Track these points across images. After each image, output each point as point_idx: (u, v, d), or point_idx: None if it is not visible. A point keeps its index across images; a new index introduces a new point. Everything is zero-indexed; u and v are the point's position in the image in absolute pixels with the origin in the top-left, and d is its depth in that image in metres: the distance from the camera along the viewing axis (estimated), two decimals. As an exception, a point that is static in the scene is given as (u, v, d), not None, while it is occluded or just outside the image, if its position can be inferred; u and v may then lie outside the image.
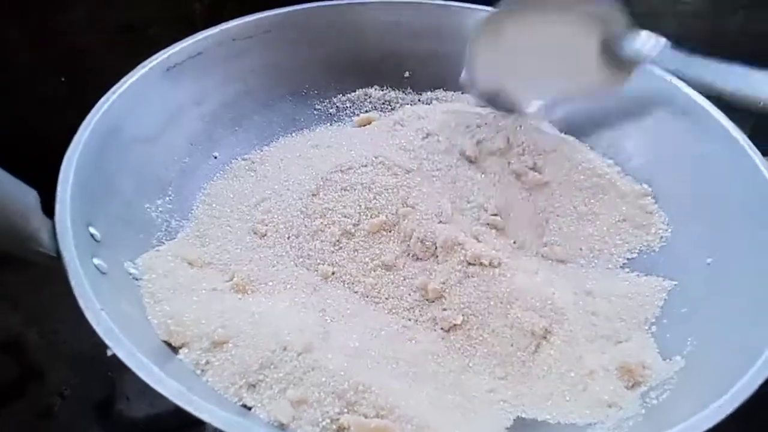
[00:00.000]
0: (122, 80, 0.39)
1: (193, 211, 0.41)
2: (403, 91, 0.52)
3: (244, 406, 0.28)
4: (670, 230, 0.41)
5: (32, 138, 0.53)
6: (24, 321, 0.62)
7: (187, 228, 0.40)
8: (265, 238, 0.39)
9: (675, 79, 0.44)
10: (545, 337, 0.35)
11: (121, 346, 0.26)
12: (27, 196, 0.29)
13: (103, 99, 0.37)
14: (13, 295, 0.64)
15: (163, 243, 0.37)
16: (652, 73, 0.44)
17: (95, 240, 0.32)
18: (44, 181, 0.32)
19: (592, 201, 0.43)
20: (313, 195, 0.40)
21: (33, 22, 0.57)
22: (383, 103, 0.51)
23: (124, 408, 0.61)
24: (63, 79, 0.60)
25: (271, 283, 0.36)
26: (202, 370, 0.29)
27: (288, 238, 0.39)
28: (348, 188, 0.40)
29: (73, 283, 0.28)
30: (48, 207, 0.31)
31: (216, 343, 0.30)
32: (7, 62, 0.58)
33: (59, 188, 0.32)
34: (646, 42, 0.41)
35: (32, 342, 0.62)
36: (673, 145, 0.43)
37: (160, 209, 0.39)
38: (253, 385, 0.29)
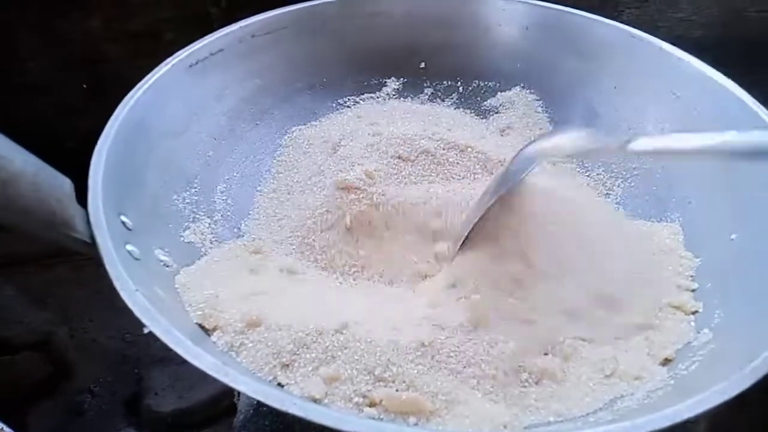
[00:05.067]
0: (147, 77, 0.40)
1: (215, 204, 0.42)
2: (420, 82, 0.52)
3: (278, 384, 0.29)
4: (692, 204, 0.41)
5: (53, 143, 0.54)
6: (54, 320, 0.63)
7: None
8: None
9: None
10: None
11: (158, 324, 0.26)
12: (63, 184, 0.30)
13: (129, 94, 0.38)
14: (43, 294, 0.65)
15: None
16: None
17: (127, 228, 0.32)
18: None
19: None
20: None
21: (52, 30, 0.58)
22: (400, 94, 0.52)
23: (152, 403, 0.62)
24: (85, 86, 0.61)
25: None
26: (236, 352, 0.30)
27: None
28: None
29: (107, 266, 0.28)
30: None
31: (250, 325, 0.31)
32: (27, 69, 0.59)
33: (91, 178, 0.32)
34: None
35: (62, 340, 0.63)
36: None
37: (186, 201, 0.40)
38: (287, 365, 0.29)
